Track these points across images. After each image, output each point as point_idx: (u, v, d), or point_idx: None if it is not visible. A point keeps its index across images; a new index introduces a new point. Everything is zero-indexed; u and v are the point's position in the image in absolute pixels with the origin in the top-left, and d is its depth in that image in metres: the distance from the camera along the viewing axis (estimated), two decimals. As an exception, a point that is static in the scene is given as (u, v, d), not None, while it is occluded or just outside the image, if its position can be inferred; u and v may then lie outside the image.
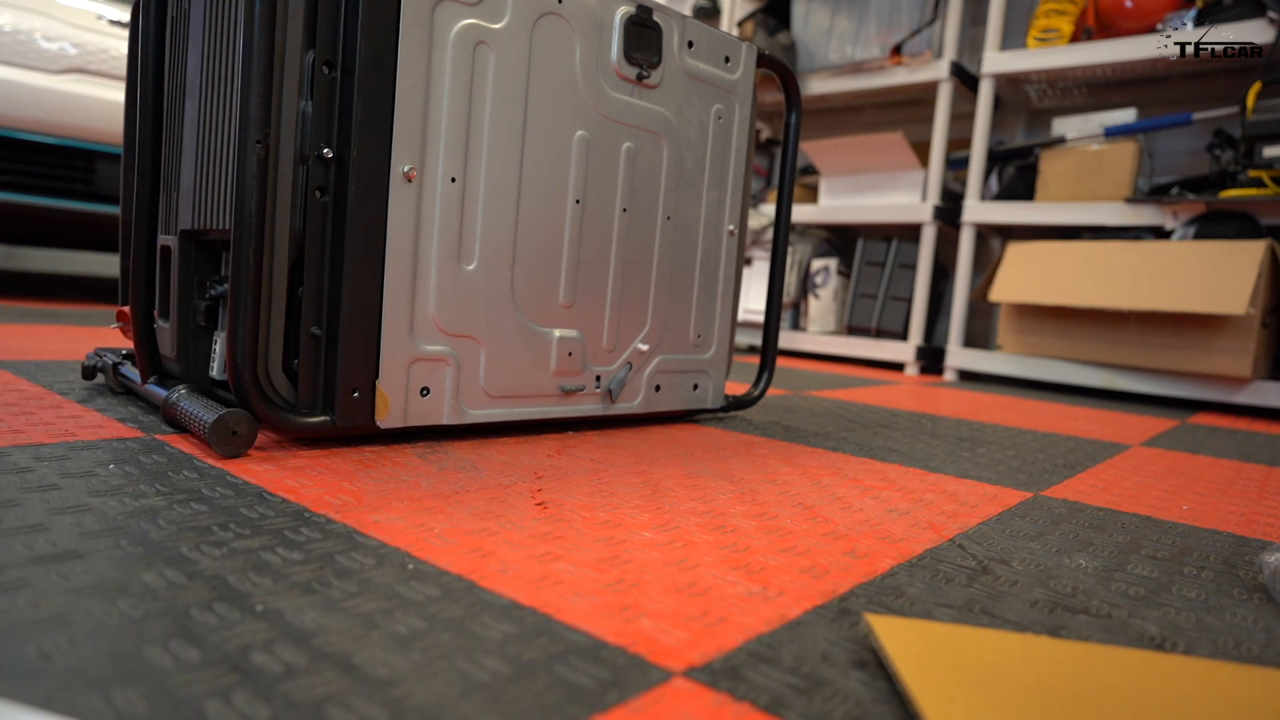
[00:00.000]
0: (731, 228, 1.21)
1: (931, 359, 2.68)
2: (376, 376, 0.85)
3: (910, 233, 2.89)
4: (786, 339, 2.91)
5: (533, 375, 1.00)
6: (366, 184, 0.82)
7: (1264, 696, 0.42)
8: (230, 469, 0.73)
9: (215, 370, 0.92)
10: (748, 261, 3.02)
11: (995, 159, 2.62)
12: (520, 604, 0.48)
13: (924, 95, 2.83)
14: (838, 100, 3.06)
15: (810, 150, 2.76)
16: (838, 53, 2.81)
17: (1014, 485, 0.96)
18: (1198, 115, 2.23)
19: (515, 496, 0.72)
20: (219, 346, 0.92)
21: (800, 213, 2.88)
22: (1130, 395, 2.41)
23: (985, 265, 2.85)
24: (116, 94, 2.11)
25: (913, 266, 2.72)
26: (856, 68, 2.76)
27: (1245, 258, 1.97)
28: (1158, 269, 2.10)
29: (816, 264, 2.91)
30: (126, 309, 1.02)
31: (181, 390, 0.85)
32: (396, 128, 0.83)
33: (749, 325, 3.03)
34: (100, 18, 2.15)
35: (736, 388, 1.72)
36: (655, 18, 1.06)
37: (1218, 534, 0.79)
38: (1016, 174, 2.54)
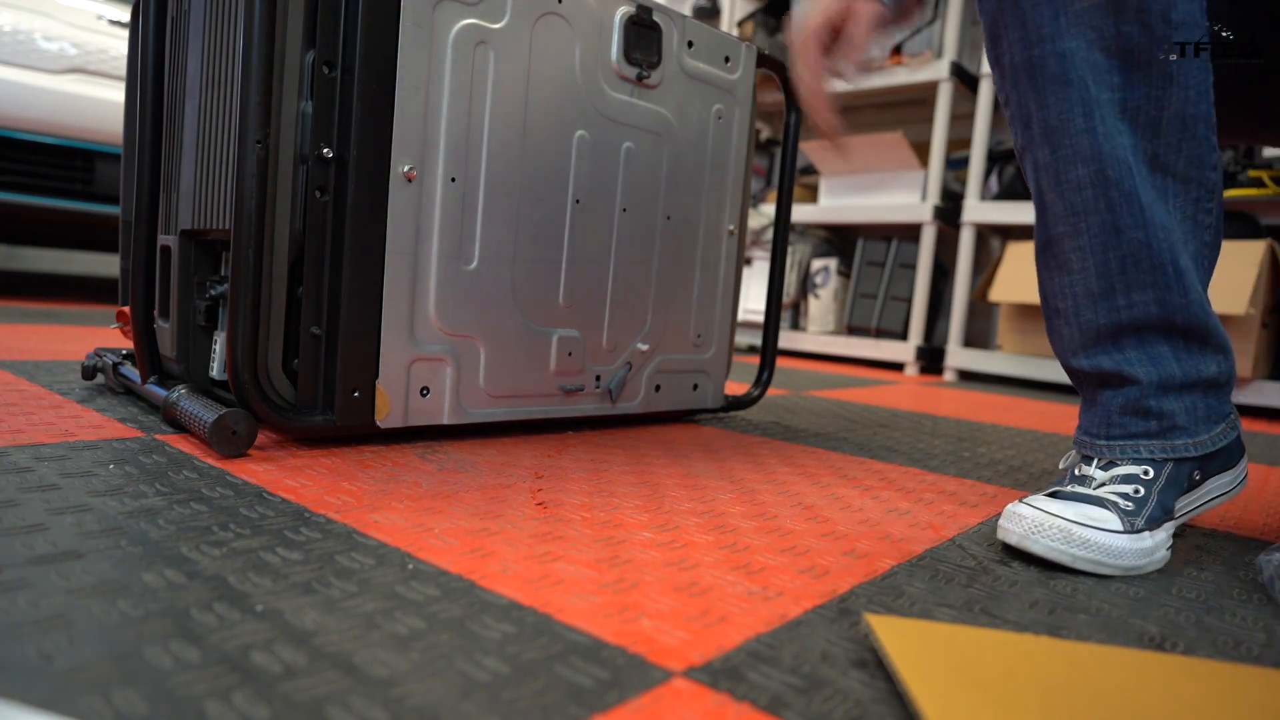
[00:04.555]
0: (731, 228, 1.21)
1: (931, 359, 2.68)
2: (376, 376, 0.85)
3: (910, 233, 2.89)
4: (786, 339, 2.91)
5: (533, 375, 1.00)
6: (366, 184, 0.82)
7: (1264, 696, 0.42)
8: (230, 469, 0.73)
9: (215, 370, 0.93)
10: (748, 261, 3.02)
11: (995, 159, 2.62)
12: (520, 604, 0.48)
13: (924, 95, 2.83)
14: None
15: (810, 150, 2.76)
16: (838, 53, 2.80)
17: (1014, 485, 0.96)
18: (1198, 115, 2.22)
19: (515, 496, 0.72)
20: (219, 346, 0.92)
21: (800, 213, 2.88)
22: (1130, 395, 2.40)
23: (985, 265, 2.85)
24: (116, 94, 2.11)
25: (912, 266, 2.72)
26: (856, 68, 2.76)
27: (1245, 258, 1.97)
28: (1158, 269, 2.09)
29: (816, 264, 2.91)
30: (126, 309, 1.02)
31: (181, 390, 0.85)
32: (396, 128, 0.83)
33: (749, 325, 3.03)
34: (100, 18, 2.15)
35: (736, 388, 1.72)
36: (655, 18, 1.06)
37: (1217, 534, 0.79)
38: (1016, 174, 2.54)
